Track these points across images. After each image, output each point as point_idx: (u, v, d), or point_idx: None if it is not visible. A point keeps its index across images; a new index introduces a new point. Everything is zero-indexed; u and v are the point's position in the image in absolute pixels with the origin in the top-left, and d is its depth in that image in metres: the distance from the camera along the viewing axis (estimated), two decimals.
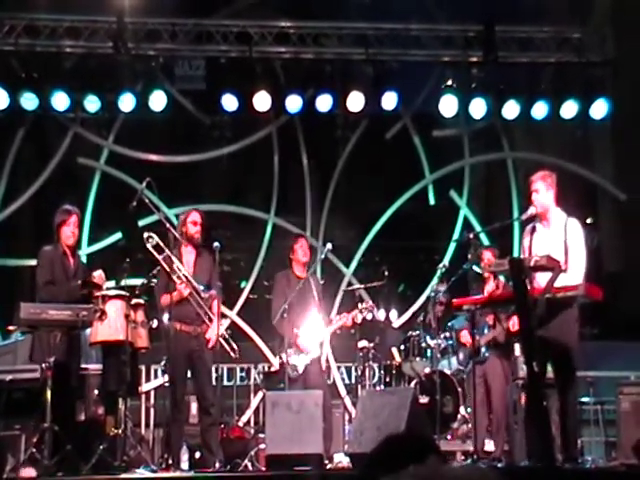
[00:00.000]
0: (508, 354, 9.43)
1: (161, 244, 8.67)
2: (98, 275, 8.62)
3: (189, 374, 8.86)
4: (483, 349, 9.29)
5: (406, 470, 1.85)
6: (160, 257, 8.66)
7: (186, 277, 8.73)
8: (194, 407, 9.79)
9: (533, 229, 7.84)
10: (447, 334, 10.39)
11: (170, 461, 8.43)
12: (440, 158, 14.08)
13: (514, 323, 9.01)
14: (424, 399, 9.90)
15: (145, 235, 8.65)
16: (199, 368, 8.79)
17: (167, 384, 9.08)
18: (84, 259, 9.93)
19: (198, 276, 8.86)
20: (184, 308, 8.73)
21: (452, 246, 12.95)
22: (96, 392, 9.39)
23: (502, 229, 10.62)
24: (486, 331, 9.32)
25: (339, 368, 12.83)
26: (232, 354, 8.90)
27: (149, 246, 8.63)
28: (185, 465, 8.57)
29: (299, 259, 9.81)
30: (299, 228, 13.10)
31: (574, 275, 7.39)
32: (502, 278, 9.26)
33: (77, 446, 7.86)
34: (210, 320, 8.77)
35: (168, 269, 8.68)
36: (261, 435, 9.58)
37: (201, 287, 8.74)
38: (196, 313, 8.72)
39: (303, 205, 13.73)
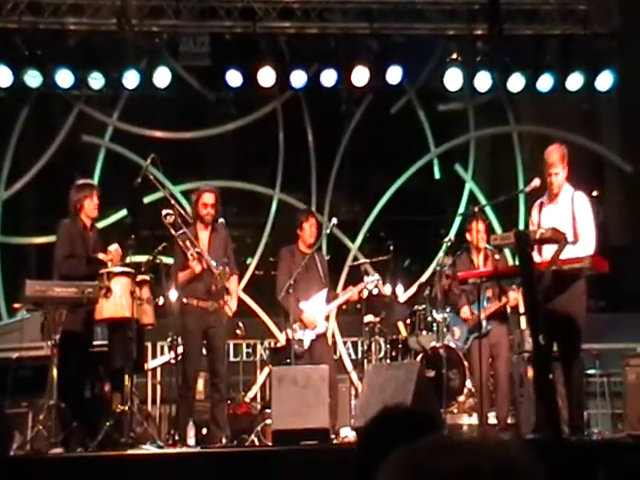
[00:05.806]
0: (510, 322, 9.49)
1: (179, 221, 8.68)
2: (115, 249, 8.60)
3: (204, 351, 8.92)
4: (484, 322, 9.29)
5: (419, 440, 1.81)
6: (176, 234, 8.69)
7: (199, 254, 8.74)
8: (200, 383, 9.80)
9: (541, 205, 7.83)
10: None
11: (177, 437, 8.46)
12: (445, 132, 14.03)
13: (515, 298, 9.05)
14: (430, 373, 9.88)
15: (163, 212, 8.65)
16: (214, 344, 8.86)
17: (175, 360, 9.08)
18: None
19: (212, 253, 8.89)
20: (200, 284, 8.80)
21: (458, 220, 12.92)
22: (102, 369, 9.40)
23: (507, 202, 10.60)
24: (486, 304, 9.31)
25: (345, 343, 12.83)
26: (237, 332, 8.93)
27: (166, 223, 8.62)
28: (192, 441, 8.57)
29: (305, 239, 9.81)
30: (304, 203, 13.05)
31: (585, 248, 7.40)
32: (489, 247, 9.30)
33: (84, 423, 7.91)
34: (227, 295, 8.80)
35: (183, 246, 8.70)
36: (267, 410, 9.58)
37: (214, 263, 8.75)
38: (212, 289, 8.74)
39: (308, 180, 13.69)
